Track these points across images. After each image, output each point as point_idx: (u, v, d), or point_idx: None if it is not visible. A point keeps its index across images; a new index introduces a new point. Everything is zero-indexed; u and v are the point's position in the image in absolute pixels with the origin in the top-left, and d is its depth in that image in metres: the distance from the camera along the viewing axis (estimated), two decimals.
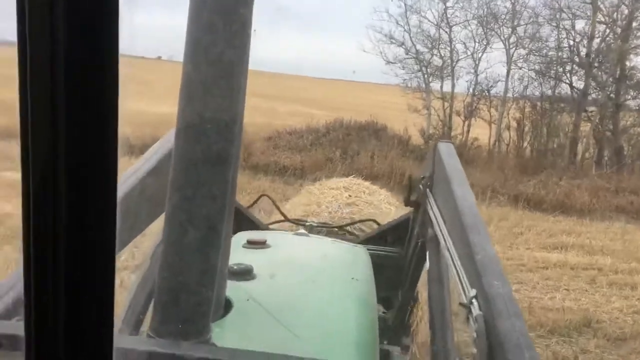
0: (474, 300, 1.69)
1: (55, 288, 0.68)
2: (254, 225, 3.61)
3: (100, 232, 0.68)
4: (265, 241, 2.51)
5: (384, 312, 3.51)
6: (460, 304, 1.79)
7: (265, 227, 3.72)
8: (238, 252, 2.27)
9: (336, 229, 4.22)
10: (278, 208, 4.27)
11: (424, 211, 2.90)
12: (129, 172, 2.21)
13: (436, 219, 2.57)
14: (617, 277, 9.38)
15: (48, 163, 0.65)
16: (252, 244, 2.47)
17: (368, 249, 3.26)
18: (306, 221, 4.14)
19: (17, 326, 1.18)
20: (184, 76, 1.29)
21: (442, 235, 2.38)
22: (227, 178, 1.34)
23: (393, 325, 3.49)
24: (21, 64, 0.64)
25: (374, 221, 4.29)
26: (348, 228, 4.28)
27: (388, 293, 3.44)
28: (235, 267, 1.98)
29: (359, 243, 3.56)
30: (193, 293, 1.34)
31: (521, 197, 14.63)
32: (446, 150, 2.88)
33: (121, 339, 1.36)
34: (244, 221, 3.55)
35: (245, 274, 2.01)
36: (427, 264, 2.73)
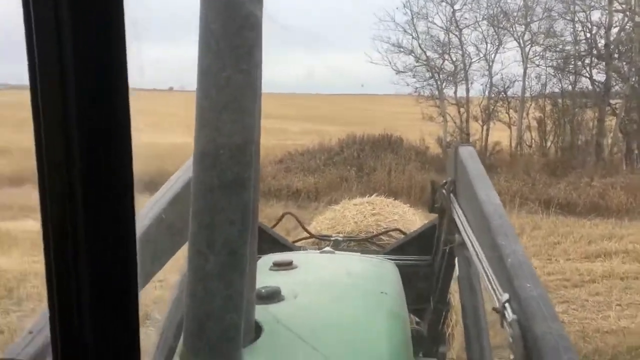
0: (507, 305, 1.67)
1: (82, 335, 0.69)
2: (279, 244, 3.60)
3: (121, 256, 0.70)
4: (292, 262, 2.50)
5: (417, 323, 3.42)
6: (494, 309, 1.77)
7: (291, 245, 3.71)
8: (265, 275, 2.29)
9: (362, 242, 4.21)
10: (302, 225, 4.23)
11: (449, 217, 2.88)
12: (149, 204, 2.24)
13: (462, 224, 2.56)
14: None
15: (64, 204, 0.67)
16: (278, 265, 2.46)
17: (395, 259, 3.23)
18: (331, 236, 4.12)
19: None
20: (197, 104, 1.32)
21: (470, 240, 2.36)
22: (245, 202, 1.35)
23: (428, 335, 3.38)
24: (34, 103, 0.66)
25: (400, 230, 4.24)
26: (374, 240, 4.23)
27: (420, 303, 3.40)
28: (263, 291, 1.97)
29: (386, 254, 3.54)
30: (219, 319, 1.35)
31: (552, 202, 13.69)
32: (467, 154, 2.85)
33: None
34: (270, 241, 3.54)
35: (273, 296, 1.99)
36: (456, 270, 2.74)
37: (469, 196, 2.54)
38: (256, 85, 1.32)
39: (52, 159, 0.66)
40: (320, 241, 4.07)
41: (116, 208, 0.69)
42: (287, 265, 2.47)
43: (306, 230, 4.17)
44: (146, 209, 2.18)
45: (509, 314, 1.63)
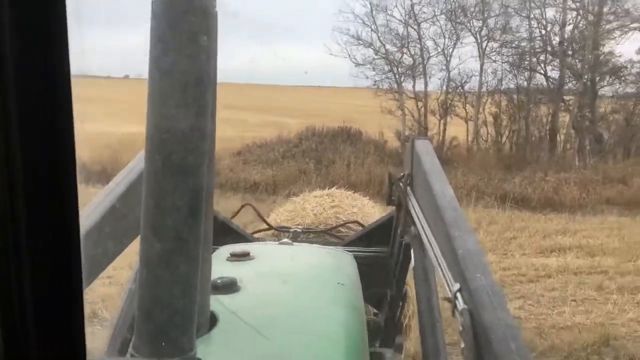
0: (458, 294, 1.70)
1: (24, 326, 0.67)
2: (237, 235, 3.57)
3: (66, 261, 0.68)
4: (249, 253, 2.50)
5: (374, 313, 3.50)
6: (445, 298, 1.81)
7: (249, 237, 3.68)
8: (221, 265, 2.30)
9: (321, 233, 4.24)
10: (261, 217, 4.21)
11: (406, 209, 2.90)
12: (103, 194, 2.22)
13: (418, 216, 2.59)
14: (625, 281, 8.59)
15: (4, 193, 0.65)
16: (235, 256, 2.46)
17: (354, 251, 3.30)
18: (290, 228, 4.12)
19: None
20: (147, 90, 1.31)
21: (425, 232, 2.40)
22: (193, 188, 1.32)
23: (385, 326, 3.47)
24: None
25: (358, 223, 4.27)
26: (333, 232, 4.26)
27: (377, 293, 3.44)
28: (218, 281, 1.97)
29: (345, 245, 3.57)
30: (167, 306, 1.32)
31: (508, 197, 13.86)
32: (423, 147, 2.88)
33: None
34: (228, 232, 3.51)
35: (229, 287, 1.99)
36: (412, 262, 2.77)
37: (424, 189, 2.56)
38: (203, 72, 1.29)
39: None
40: (279, 233, 4.07)
41: (59, 202, 0.68)
42: (244, 256, 2.47)
43: (265, 222, 4.16)
44: (99, 198, 2.16)
45: (460, 304, 1.66)
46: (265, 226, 4.15)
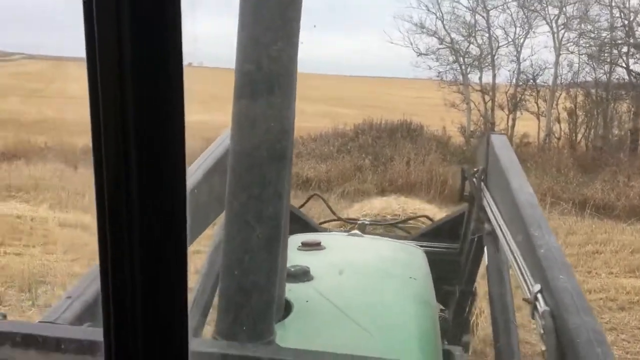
0: (539, 295, 1.66)
1: (133, 292, 0.71)
2: (307, 225, 3.58)
3: (172, 232, 0.71)
4: (320, 243, 2.49)
5: (442, 310, 3.38)
6: (525, 299, 1.78)
7: (317, 227, 3.68)
8: (293, 254, 2.26)
9: (389, 226, 4.19)
10: (330, 207, 4.19)
11: (479, 205, 2.87)
12: (189, 171, 2.21)
13: (492, 213, 2.58)
14: None
15: (119, 166, 0.68)
16: (306, 245, 2.46)
17: (423, 245, 3.24)
18: (358, 219, 4.06)
19: (89, 332, 1.40)
20: (242, 75, 1.29)
21: (501, 229, 2.38)
22: (289, 176, 1.40)
23: (452, 323, 3.40)
24: (91, 73, 0.67)
25: (427, 217, 4.24)
26: (401, 225, 4.20)
27: (445, 290, 3.36)
28: (292, 269, 1.96)
29: (413, 240, 3.51)
30: (263, 292, 1.34)
31: (588, 203, 12.42)
32: (499, 142, 2.85)
33: (193, 342, 1.15)
34: (297, 221, 3.48)
35: (302, 275, 2.00)
36: (485, 259, 2.75)
37: (500, 185, 2.54)
38: (289, 64, 1.30)
39: (107, 123, 0.67)
40: (347, 224, 4.06)
41: (169, 195, 0.70)
42: (316, 246, 2.48)
43: (333, 212, 4.13)
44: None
45: (541, 305, 1.62)
46: (332, 217, 4.14)
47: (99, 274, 0.72)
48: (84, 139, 15.41)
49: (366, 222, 3.97)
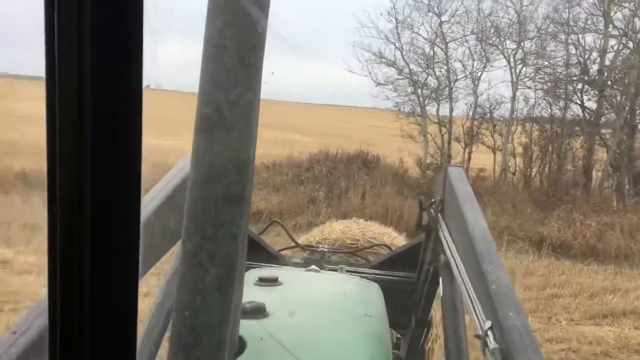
0: (489, 332, 1.69)
1: (81, 330, 0.70)
2: (265, 252, 3.63)
3: (125, 268, 0.70)
4: (277, 278, 2.50)
5: (397, 337, 3.52)
6: (476, 335, 1.80)
7: (276, 254, 3.76)
8: (250, 289, 2.27)
9: (348, 254, 4.23)
10: (290, 234, 4.28)
11: (436, 236, 2.92)
12: (145, 200, 2.19)
13: (448, 244, 2.61)
14: None
15: (74, 190, 0.68)
16: (263, 281, 2.47)
17: (381, 274, 3.46)
18: (318, 247, 4.13)
19: None
20: (202, 117, 1.32)
21: (455, 262, 2.42)
22: (246, 217, 1.36)
23: (408, 351, 3.48)
24: (50, 91, 0.67)
25: (386, 246, 4.27)
26: (360, 254, 4.25)
27: (401, 318, 3.38)
28: (248, 306, 1.98)
29: (372, 268, 3.64)
30: (214, 333, 1.34)
31: (545, 242, 12.18)
32: (457, 175, 2.88)
33: None
34: (256, 248, 3.50)
35: (258, 312, 2.02)
36: (440, 290, 2.78)
37: (456, 217, 2.58)
38: (250, 96, 1.33)
39: (63, 157, 0.67)
40: (306, 251, 4.11)
41: (124, 208, 0.70)
42: (273, 282, 2.49)
43: (293, 240, 4.17)
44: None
45: (491, 342, 1.66)
46: (292, 244, 4.18)
47: (46, 308, 0.71)
48: (22, 162, 14.44)
49: (325, 250, 4.01)
